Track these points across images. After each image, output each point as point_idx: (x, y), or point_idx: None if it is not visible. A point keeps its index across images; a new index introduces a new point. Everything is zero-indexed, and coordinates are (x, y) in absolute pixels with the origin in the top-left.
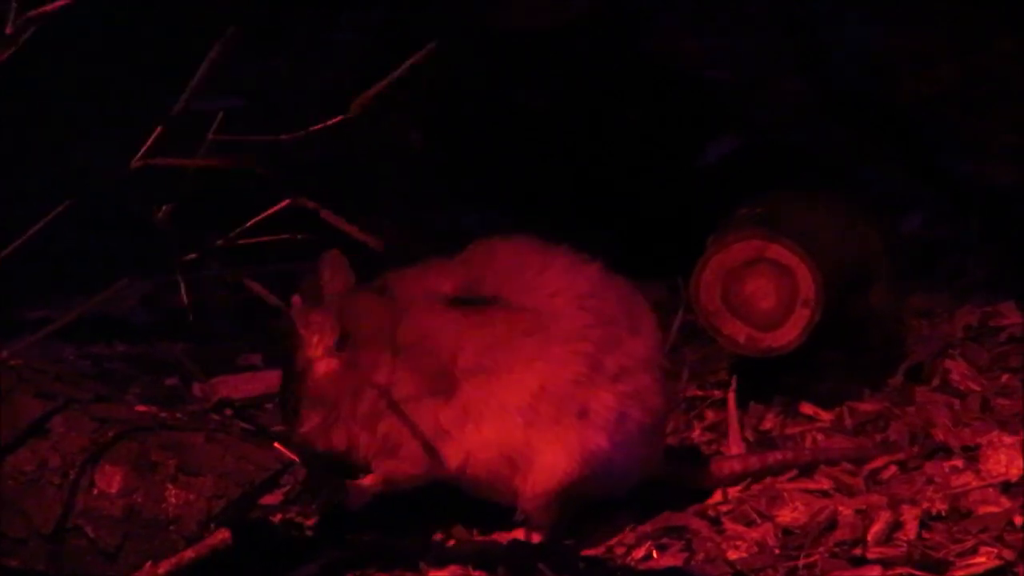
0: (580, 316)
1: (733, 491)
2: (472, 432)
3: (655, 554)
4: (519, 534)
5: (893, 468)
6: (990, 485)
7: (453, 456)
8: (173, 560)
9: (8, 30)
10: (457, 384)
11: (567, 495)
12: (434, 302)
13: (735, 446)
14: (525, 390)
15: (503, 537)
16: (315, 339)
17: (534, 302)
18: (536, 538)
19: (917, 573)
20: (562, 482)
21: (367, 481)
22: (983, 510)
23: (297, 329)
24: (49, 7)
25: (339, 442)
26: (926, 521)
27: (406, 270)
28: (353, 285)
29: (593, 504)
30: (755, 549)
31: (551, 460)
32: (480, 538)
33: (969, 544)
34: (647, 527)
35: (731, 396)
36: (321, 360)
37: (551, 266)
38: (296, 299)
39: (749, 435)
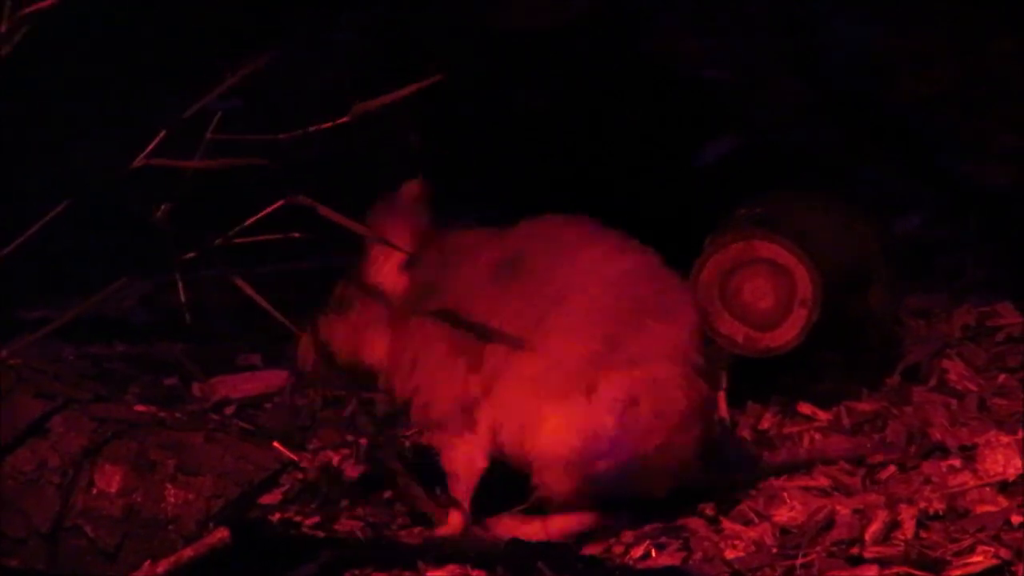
0: (606, 296)
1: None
2: (495, 399)
3: (653, 553)
4: (535, 527)
5: (891, 468)
6: (987, 484)
7: (484, 422)
8: (172, 559)
9: (1, 28)
10: (484, 351)
11: (576, 475)
12: (477, 267)
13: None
14: (540, 360)
15: (516, 527)
16: (382, 256)
17: (566, 277)
18: (556, 525)
19: (914, 572)
20: (566, 457)
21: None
22: (980, 509)
23: (368, 240)
24: (43, 4)
25: (369, 355)
26: (923, 520)
27: (462, 229)
28: (426, 222)
29: (623, 503)
30: (753, 548)
31: (553, 430)
32: (479, 534)
33: (966, 543)
34: (645, 526)
35: (722, 396)
36: (384, 275)
37: (593, 246)
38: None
39: (747, 434)
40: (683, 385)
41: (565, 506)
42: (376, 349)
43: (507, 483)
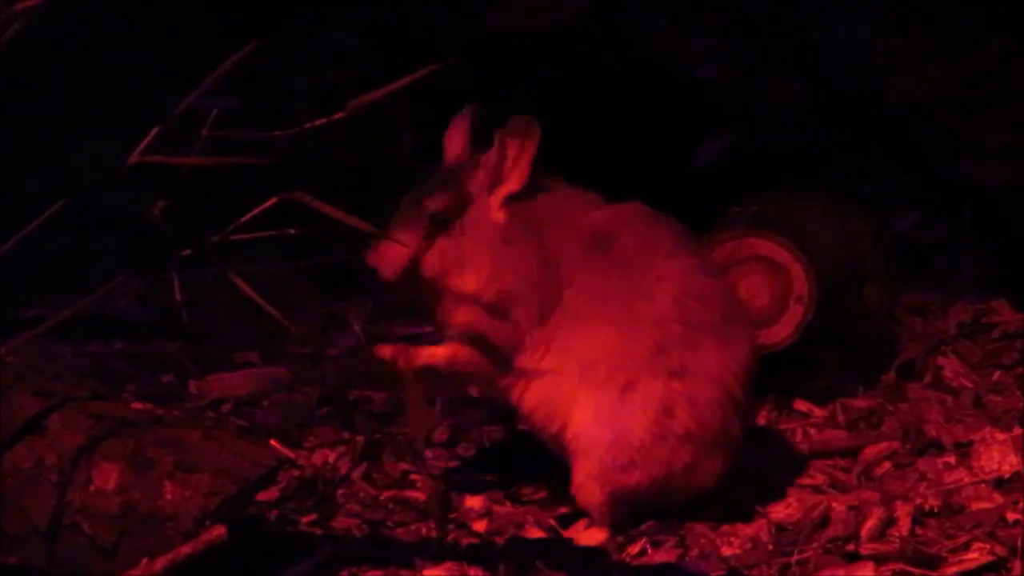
0: (671, 307)
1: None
2: (538, 361)
3: (649, 550)
4: (588, 534)
5: (886, 464)
6: (983, 481)
7: (517, 375)
8: (169, 556)
9: None
10: (551, 314)
11: (606, 476)
12: (573, 228)
13: None
14: (591, 345)
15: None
16: (482, 177)
17: (650, 275)
18: (599, 533)
19: (910, 569)
20: (593, 446)
21: (436, 349)
22: (976, 506)
23: (470, 160)
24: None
25: (458, 278)
26: (919, 517)
27: (570, 188)
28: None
29: (645, 512)
30: (749, 545)
31: (583, 418)
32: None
33: (962, 540)
34: (642, 524)
35: None
36: (480, 196)
37: (678, 256)
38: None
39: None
40: (719, 412)
41: (600, 517)
42: (475, 272)
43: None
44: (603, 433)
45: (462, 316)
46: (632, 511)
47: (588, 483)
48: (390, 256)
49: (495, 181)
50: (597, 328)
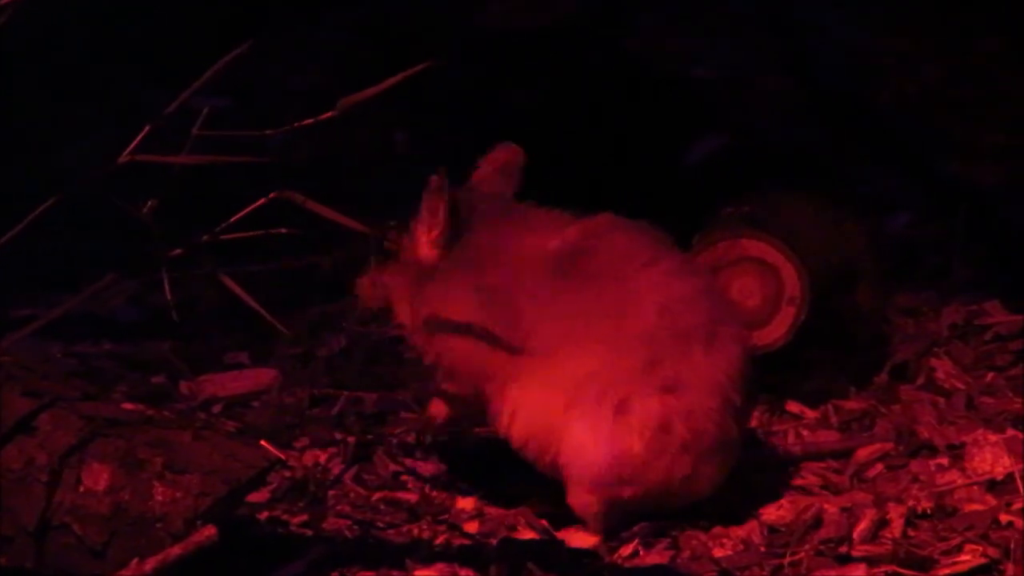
0: (656, 317)
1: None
2: (521, 391)
3: (641, 552)
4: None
5: (879, 466)
6: (975, 483)
7: (504, 409)
8: (160, 557)
9: None
10: (524, 342)
11: (603, 497)
12: (535, 254)
13: None
14: (577, 368)
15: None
16: (423, 227)
17: (626, 290)
18: (591, 537)
19: (902, 571)
20: (591, 476)
21: (432, 407)
22: (968, 508)
23: (420, 207)
24: None
25: (401, 315)
26: (911, 519)
27: (537, 211)
28: (503, 194)
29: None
30: (741, 547)
31: (577, 443)
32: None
33: (954, 542)
34: (634, 525)
35: None
36: (423, 246)
37: (657, 264)
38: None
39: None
40: (717, 420)
41: (595, 525)
42: (398, 305)
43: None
44: (599, 456)
45: (430, 349)
46: (627, 517)
47: (584, 497)
48: (361, 287)
49: (424, 225)
50: (580, 350)
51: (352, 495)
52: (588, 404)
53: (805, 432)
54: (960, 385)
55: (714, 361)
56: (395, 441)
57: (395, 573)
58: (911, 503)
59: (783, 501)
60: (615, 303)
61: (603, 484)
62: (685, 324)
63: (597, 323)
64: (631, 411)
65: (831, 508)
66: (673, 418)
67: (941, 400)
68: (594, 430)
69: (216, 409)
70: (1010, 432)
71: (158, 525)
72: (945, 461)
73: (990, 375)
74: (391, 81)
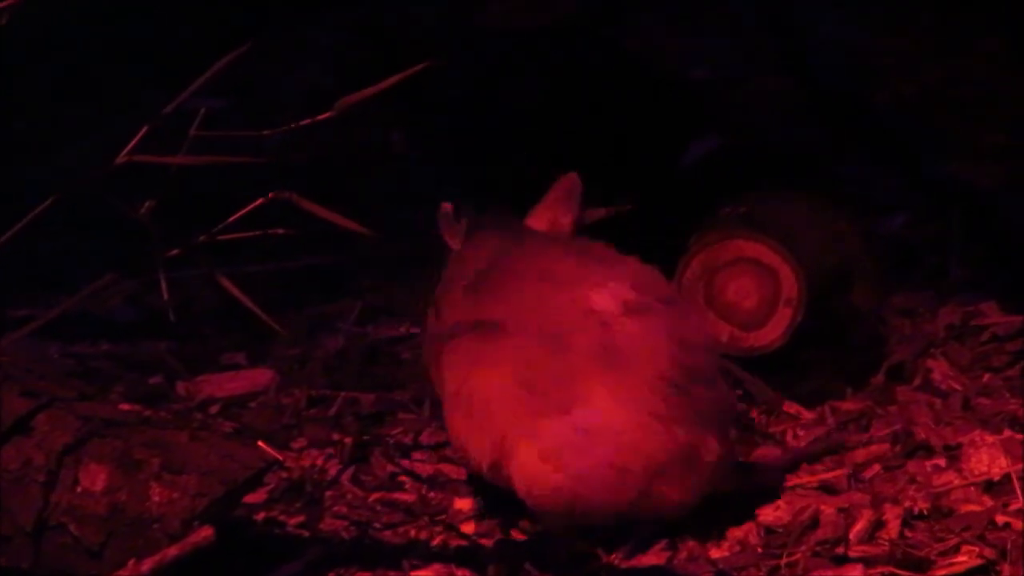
0: (543, 334)
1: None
2: (466, 433)
3: (638, 553)
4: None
5: (876, 467)
6: (972, 484)
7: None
8: (157, 558)
9: None
10: (442, 366)
11: (560, 517)
12: (463, 274)
13: None
14: (487, 391)
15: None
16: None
17: (512, 305)
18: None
19: (899, 572)
20: (530, 504)
21: None
22: (965, 509)
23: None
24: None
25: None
26: (908, 520)
27: (500, 225)
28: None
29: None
30: (737, 548)
31: (514, 477)
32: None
33: (951, 543)
34: (630, 525)
35: None
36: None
37: (549, 278)
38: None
39: (732, 433)
40: (643, 435)
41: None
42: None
43: None
44: (522, 486)
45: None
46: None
47: (547, 522)
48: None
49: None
50: (473, 378)
51: (349, 496)
52: (491, 436)
53: (802, 432)
54: (957, 386)
55: (621, 376)
56: (392, 442)
57: (392, 574)
58: (908, 504)
59: (780, 502)
60: (502, 319)
61: (545, 514)
62: (586, 340)
63: (484, 343)
64: (534, 439)
65: (828, 509)
66: (579, 440)
67: (938, 401)
68: (515, 467)
69: (213, 410)
70: (1007, 433)
71: (155, 526)
72: (942, 462)
73: (987, 376)
74: (390, 81)
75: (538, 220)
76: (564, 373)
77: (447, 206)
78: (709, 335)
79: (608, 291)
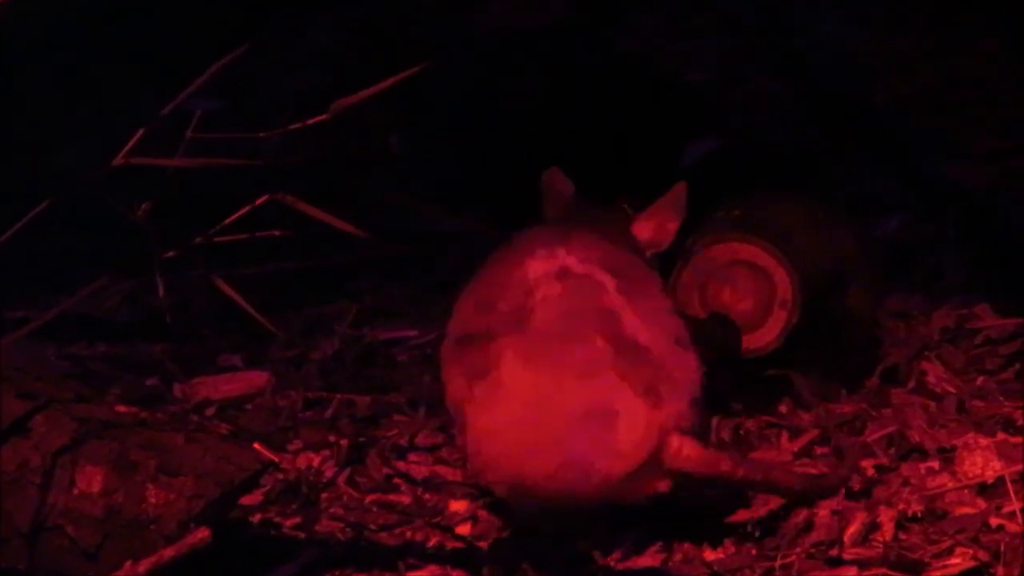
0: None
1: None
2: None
3: (633, 554)
4: None
5: (870, 469)
6: (966, 487)
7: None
8: (153, 559)
9: None
10: None
11: (515, 498)
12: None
13: None
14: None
15: None
16: None
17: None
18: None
19: (893, 574)
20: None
21: None
22: (959, 511)
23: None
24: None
25: None
26: (902, 522)
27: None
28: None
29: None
30: (732, 550)
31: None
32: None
33: (945, 545)
34: (625, 527)
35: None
36: None
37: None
38: None
39: (727, 436)
40: (547, 393)
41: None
42: None
43: None
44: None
45: None
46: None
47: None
48: None
49: None
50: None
51: (345, 497)
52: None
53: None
54: (951, 389)
55: (537, 330)
56: (388, 444)
57: (387, 575)
58: (902, 506)
59: (774, 504)
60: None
61: (493, 487)
62: (499, 305)
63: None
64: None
65: (822, 511)
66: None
67: (932, 404)
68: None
69: (209, 411)
70: (1001, 436)
71: (151, 527)
72: (936, 465)
73: (981, 379)
74: (388, 82)
75: (644, 225)
76: (484, 334)
77: (555, 170)
78: (669, 312)
79: (552, 261)
